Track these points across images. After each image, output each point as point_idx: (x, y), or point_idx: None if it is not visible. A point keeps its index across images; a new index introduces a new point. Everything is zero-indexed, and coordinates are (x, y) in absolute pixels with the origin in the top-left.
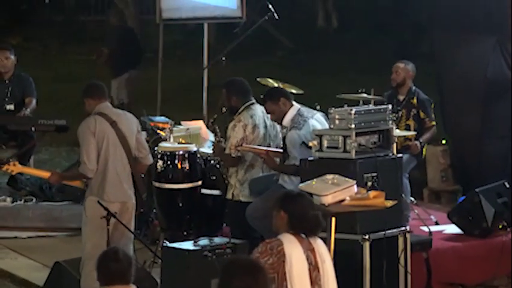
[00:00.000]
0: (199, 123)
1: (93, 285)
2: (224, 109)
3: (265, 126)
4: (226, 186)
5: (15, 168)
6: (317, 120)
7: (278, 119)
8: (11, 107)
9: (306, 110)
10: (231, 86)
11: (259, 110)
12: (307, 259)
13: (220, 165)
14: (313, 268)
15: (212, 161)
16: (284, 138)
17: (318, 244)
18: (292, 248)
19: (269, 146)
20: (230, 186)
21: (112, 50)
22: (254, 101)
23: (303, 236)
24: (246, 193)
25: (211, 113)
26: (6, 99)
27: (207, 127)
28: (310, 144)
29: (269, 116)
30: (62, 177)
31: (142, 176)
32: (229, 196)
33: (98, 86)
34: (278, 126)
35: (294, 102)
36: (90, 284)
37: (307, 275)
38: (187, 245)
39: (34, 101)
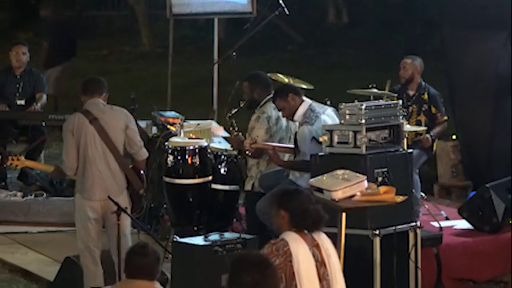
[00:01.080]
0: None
1: (94, 280)
2: (243, 103)
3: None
4: (243, 180)
5: (19, 162)
6: (328, 116)
7: (289, 115)
8: (21, 102)
9: (317, 106)
10: (255, 79)
11: None
12: (314, 256)
13: (238, 159)
14: (320, 264)
15: (222, 156)
16: (295, 134)
17: (322, 239)
18: (298, 247)
19: (290, 138)
20: (250, 177)
21: (49, 42)
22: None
23: (306, 232)
24: None
25: (221, 108)
26: (18, 94)
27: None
28: (321, 139)
29: (281, 112)
30: (61, 172)
31: (143, 171)
32: (248, 187)
33: (93, 81)
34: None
35: (304, 98)
36: (90, 279)
37: (315, 272)
38: (198, 240)
39: (44, 96)
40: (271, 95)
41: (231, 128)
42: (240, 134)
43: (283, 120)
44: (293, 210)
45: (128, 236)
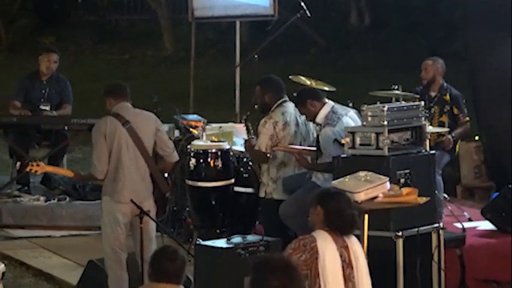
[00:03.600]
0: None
1: (120, 284)
2: (257, 106)
3: (297, 124)
4: (259, 184)
5: (39, 168)
6: (351, 118)
7: (311, 118)
8: (46, 107)
9: (339, 108)
10: (266, 83)
11: (291, 107)
12: (341, 256)
13: (252, 163)
14: (347, 265)
15: (245, 159)
16: (318, 136)
17: (352, 241)
18: (326, 245)
19: (300, 144)
20: (262, 184)
21: None
22: (287, 98)
23: (338, 233)
24: (279, 191)
25: (243, 111)
26: (42, 99)
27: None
28: (343, 141)
29: (288, 118)
30: (82, 177)
31: (167, 174)
32: (262, 194)
33: (121, 86)
34: (311, 125)
35: (327, 100)
36: (116, 283)
37: (340, 272)
38: (221, 243)
39: (70, 108)
40: (283, 99)
41: (246, 131)
42: (254, 137)
43: (292, 125)
44: (330, 209)
45: (154, 240)
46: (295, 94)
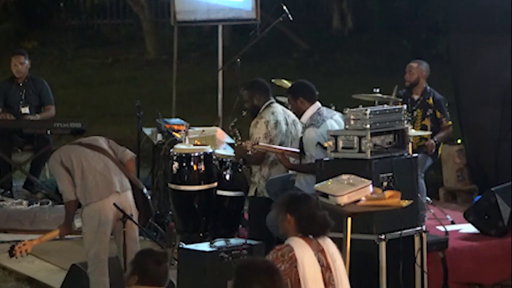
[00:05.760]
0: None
1: None
2: (244, 112)
3: (287, 124)
4: (247, 186)
5: (26, 247)
6: (335, 121)
7: (296, 113)
8: (25, 110)
9: (325, 110)
10: (253, 86)
11: (279, 107)
12: (319, 261)
13: (242, 167)
14: (326, 269)
15: (228, 162)
16: (301, 137)
17: (327, 244)
18: (303, 252)
19: (291, 142)
20: (253, 184)
21: None
22: (274, 100)
23: (312, 237)
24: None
25: (226, 115)
26: (21, 102)
27: (226, 131)
28: (326, 144)
29: (279, 117)
30: (65, 220)
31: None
32: (251, 193)
33: None
34: (299, 126)
35: (316, 102)
36: None
37: (320, 278)
38: (204, 246)
39: (53, 109)
40: (271, 101)
41: (234, 138)
42: (244, 143)
43: (283, 125)
44: (300, 215)
45: (137, 242)
46: (293, 83)
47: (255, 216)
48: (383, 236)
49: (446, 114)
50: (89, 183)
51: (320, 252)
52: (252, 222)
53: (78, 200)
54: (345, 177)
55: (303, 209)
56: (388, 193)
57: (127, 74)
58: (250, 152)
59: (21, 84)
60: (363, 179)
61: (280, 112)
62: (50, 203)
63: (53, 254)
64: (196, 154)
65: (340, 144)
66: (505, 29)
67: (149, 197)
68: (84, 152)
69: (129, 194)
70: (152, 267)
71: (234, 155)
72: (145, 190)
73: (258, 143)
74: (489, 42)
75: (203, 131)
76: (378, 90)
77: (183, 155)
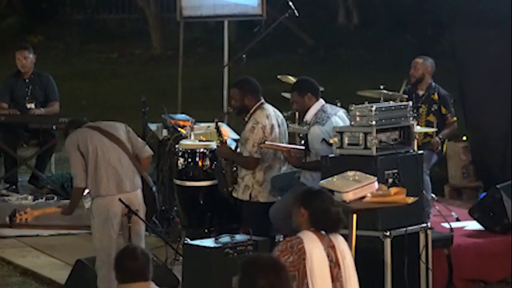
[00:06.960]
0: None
1: (109, 284)
2: (230, 109)
3: (278, 125)
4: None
5: (27, 215)
6: (340, 118)
7: (301, 110)
8: (31, 105)
9: (329, 107)
10: (245, 85)
11: (271, 109)
12: (328, 256)
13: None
14: (334, 265)
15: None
16: (306, 135)
17: (339, 241)
18: (313, 246)
19: (281, 142)
20: (246, 187)
21: None
22: (264, 100)
23: (323, 233)
24: (265, 194)
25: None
26: (27, 97)
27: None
28: (331, 141)
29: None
30: (70, 202)
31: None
32: (245, 197)
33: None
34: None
35: (320, 99)
36: (106, 283)
37: (328, 272)
38: (209, 242)
39: (57, 105)
40: (261, 101)
41: (218, 137)
42: (227, 141)
43: (276, 127)
44: (314, 209)
45: (143, 238)
46: (297, 80)
47: (251, 221)
48: (388, 233)
49: (451, 110)
50: (99, 175)
51: (330, 248)
52: (248, 227)
53: (87, 188)
54: (350, 173)
55: (317, 203)
56: (393, 190)
57: (132, 69)
58: (255, 155)
59: (27, 80)
60: (368, 175)
61: (272, 114)
62: (56, 198)
63: (58, 249)
64: (202, 150)
65: (346, 140)
66: (509, 24)
67: (156, 194)
68: (101, 140)
69: (139, 192)
70: (129, 264)
71: (218, 155)
72: (154, 188)
73: (264, 142)
74: (494, 37)
75: (208, 126)
76: (382, 87)
77: (188, 151)
